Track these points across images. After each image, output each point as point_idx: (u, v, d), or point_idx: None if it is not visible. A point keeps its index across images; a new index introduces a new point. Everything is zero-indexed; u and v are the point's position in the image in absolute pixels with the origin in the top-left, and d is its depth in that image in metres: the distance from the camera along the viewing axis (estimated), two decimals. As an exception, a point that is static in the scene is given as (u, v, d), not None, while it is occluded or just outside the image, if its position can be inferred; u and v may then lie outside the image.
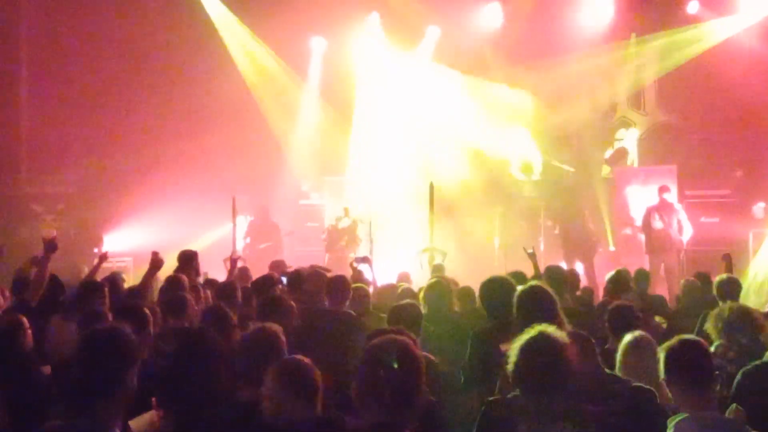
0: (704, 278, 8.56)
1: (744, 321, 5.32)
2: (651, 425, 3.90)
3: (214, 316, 5.55)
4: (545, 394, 3.65)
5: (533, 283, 5.37)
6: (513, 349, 3.81)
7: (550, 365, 3.60)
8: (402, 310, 5.75)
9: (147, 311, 5.45)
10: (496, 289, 5.61)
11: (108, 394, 3.04)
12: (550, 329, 3.84)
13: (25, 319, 5.43)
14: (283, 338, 3.84)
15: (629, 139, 16.99)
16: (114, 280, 7.94)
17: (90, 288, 6.88)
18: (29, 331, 5.38)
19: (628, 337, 4.77)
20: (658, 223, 13.38)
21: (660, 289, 12.21)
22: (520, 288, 5.16)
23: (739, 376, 4.68)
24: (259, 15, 16.48)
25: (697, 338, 4.04)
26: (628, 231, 14.97)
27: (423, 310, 6.25)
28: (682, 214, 13.46)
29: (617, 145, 17.08)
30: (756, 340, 5.31)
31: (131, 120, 16.59)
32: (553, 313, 4.78)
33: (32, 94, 17.01)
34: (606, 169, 16.80)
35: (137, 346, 3.20)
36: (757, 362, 4.76)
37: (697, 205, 14.13)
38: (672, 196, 13.66)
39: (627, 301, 6.10)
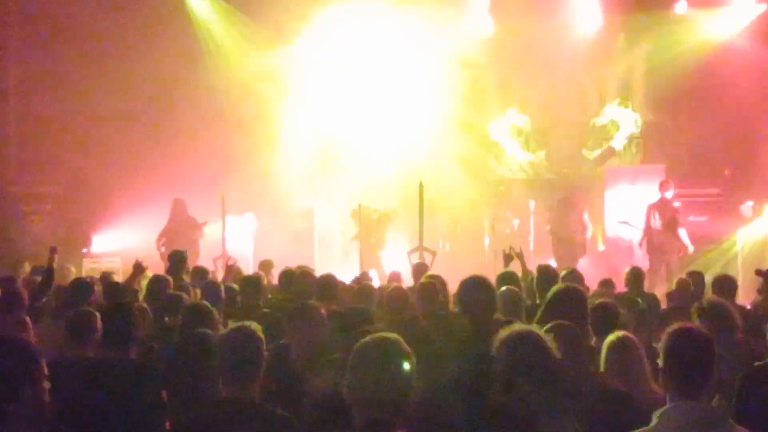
0: (696, 277, 8.58)
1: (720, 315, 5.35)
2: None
3: (198, 313, 5.55)
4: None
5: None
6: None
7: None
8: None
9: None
10: (479, 288, 5.20)
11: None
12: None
13: (28, 319, 5.48)
14: (262, 336, 3.88)
15: (618, 139, 16.98)
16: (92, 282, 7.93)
17: (79, 288, 6.86)
18: (32, 331, 5.42)
19: (611, 337, 4.76)
20: (657, 222, 13.32)
21: (658, 291, 12.17)
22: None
23: (740, 379, 4.51)
24: (246, 16, 16.54)
25: (700, 327, 3.77)
26: (610, 234, 14.84)
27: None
28: (678, 214, 13.44)
29: (605, 144, 17.10)
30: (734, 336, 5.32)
31: (120, 120, 16.52)
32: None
33: (20, 93, 16.93)
34: (595, 168, 16.81)
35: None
36: (759, 363, 4.63)
37: (685, 204, 14.12)
38: (671, 194, 13.52)
39: (608, 299, 6.07)
